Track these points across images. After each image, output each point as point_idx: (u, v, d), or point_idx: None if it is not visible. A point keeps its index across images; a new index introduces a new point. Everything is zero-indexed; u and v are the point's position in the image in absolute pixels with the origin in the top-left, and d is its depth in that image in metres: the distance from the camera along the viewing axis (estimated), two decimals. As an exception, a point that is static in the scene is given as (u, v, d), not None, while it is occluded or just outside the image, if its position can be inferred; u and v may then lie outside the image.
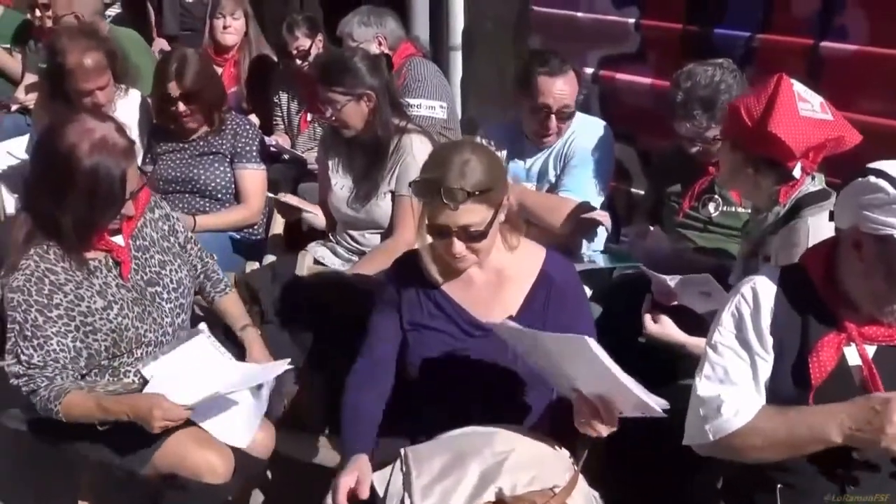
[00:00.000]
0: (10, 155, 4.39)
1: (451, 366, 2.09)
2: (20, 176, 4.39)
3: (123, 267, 2.24)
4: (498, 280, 2.11)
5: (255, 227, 3.54)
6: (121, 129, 2.12)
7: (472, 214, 1.94)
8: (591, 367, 1.72)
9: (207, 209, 3.43)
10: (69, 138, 2.05)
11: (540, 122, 2.99)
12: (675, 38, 3.62)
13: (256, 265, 3.16)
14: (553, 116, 2.96)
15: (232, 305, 2.56)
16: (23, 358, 2.11)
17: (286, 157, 4.04)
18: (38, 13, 5.01)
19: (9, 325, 2.10)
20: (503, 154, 3.12)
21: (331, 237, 3.27)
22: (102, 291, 2.19)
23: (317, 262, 3.01)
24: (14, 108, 4.96)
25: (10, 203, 4.42)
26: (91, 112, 2.12)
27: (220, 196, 3.44)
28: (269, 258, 3.34)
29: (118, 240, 2.24)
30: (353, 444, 1.97)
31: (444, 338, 2.11)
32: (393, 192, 3.04)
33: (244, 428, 2.22)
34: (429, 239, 2.07)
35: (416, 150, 2.99)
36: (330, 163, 3.20)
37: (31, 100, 4.94)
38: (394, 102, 3.08)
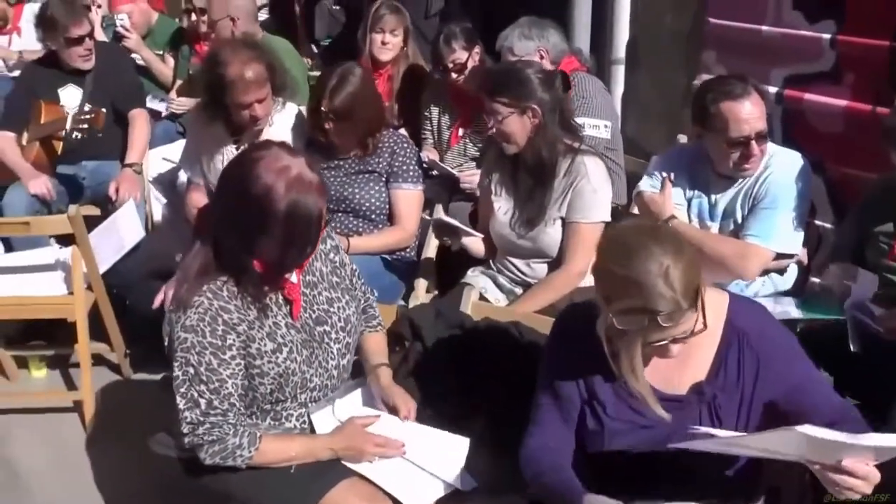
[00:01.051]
0: (165, 160, 4.40)
1: (635, 439, 1.88)
2: (171, 182, 4.41)
3: (294, 306, 2.08)
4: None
5: (408, 249, 3.37)
6: (312, 162, 1.95)
7: (688, 321, 1.70)
8: (819, 447, 1.57)
9: (360, 230, 3.28)
10: (264, 178, 1.88)
11: (739, 154, 2.70)
12: (880, 56, 3.24)
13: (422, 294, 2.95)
14: (752, 143, 2.66)
15: (376, 342, 2.37)
16: (202, 403, 1.96)
17: (435, 172, 3.87)
18: (193, 17, 5.04)
19: (180, 367, 1.96)
20: (679, 189, 2.86)
21: (492, 264, 3.08)
22: (272, 333, 2.04)
23: (482, 297, 2.79)
24: (164, 114, 4.98)
25: (158, 209, 4.43)
26: (281, 146, 1.94)
27: (373, 217, 3.28)
28: (421, 283, 3.18)
29: (290, 276, 2.07)
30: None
31: (627, 412, 1.89)
32: (563, 219, 2.83)
33: (427, 492, 2.03)
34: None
35: (592, 174, 2.81)
36: (492, 184, 3.02)
37: (182, 106, 4.97)
38: (565, 122, 2.88)
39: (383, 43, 4.20)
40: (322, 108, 3.16)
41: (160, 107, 4.97)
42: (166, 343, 2.02)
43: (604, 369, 1.84)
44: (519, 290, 2.97)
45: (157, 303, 3.10)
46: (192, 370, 1.95)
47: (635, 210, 3.04)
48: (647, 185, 2.95)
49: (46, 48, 4.13)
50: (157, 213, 4.41)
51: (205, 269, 1.97)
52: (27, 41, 5.85)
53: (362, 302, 2.33)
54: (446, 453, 2.10)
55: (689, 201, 2.89)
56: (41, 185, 3.87)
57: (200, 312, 1.94)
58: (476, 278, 3.02)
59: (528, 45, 3.72)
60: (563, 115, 2.87)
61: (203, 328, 1.94)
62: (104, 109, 3.93)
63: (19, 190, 3.88)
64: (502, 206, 2.97)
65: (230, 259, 1.96)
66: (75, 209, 3.14)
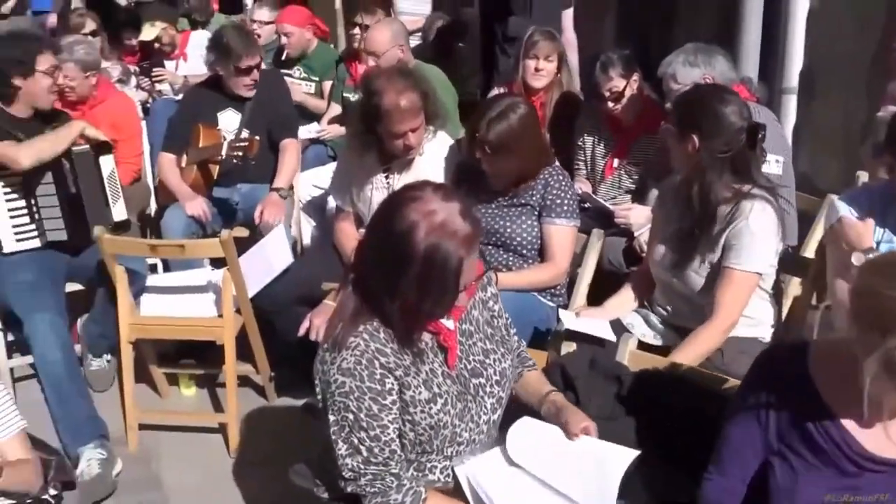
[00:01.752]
0: (314, 187, 4.43)
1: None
2: (320, 207, 4.45)
3: (450, 354, 1.98)
4: None
5: (559, 287, 3.21)
6: (466, 211, 1.85)
7: None
8: None
9: (510, 265, 3.15)
10: (408, 217, 1.81)
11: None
12: None
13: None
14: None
15: (536, 377, 2.25)
16: (363, 450, 1.88)
17: (587, 205, 3.71)
18: (355, 31, 5.09)
19: (338, 412, 1.88)
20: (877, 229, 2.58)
21: (645, 302, 2.90)
22: (428, 381, 1.94)
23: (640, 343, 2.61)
24: (315, 134, 5.04)
25: (308, 231, 4.48)
26: (437, 189, 1.86)
27: (524, 252, 3.15)
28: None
29: (447, 322, 1.97)
30: None
31: (826, 471, 1.71)
32: (717, 263, 2.63)
33: None
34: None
35: (755, 218, 2.57)
36: (660, 216, 2.87)
37: (333, 130, 5.02)
38: (739, 166, 2.63)
39: (537, 70, 4.08)
40: (477, 137, 3.06)
41: (311, 134, 5.04)
42: (317, 381, 1.95)
43: (809, 418, 1.70)
44: (669, 333, 2.80)
45: (302, 330, 3.09)
46: (351, 416, 1.87)
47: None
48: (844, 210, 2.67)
49: (213, 72, 4.24)
50: (307, 235, 4.47)
51: (359, 309, 1.90)
52: (193, 66, 6.12)
53: (514, 353, 2.21)
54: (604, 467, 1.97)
55: (878, 244, 2.61)
56: (198, 206, 3.96)
57: (357, 355, 1.86)
58: (629, 316, 2.86)
59: (693, 72, 3.52)
60: (737, 160, 2.62)
61: (360, 371, 1.86)
62: (258, 137, 3.99)
63: (178, 211, 4.00)
64: (661, 240, 2.81)
65: (374, 299, 1.88)
66: (227, 234, 3.17)
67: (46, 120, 3.62)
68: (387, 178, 3.36)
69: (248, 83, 4.13)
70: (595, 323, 2.76)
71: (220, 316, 3.34)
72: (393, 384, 1.88)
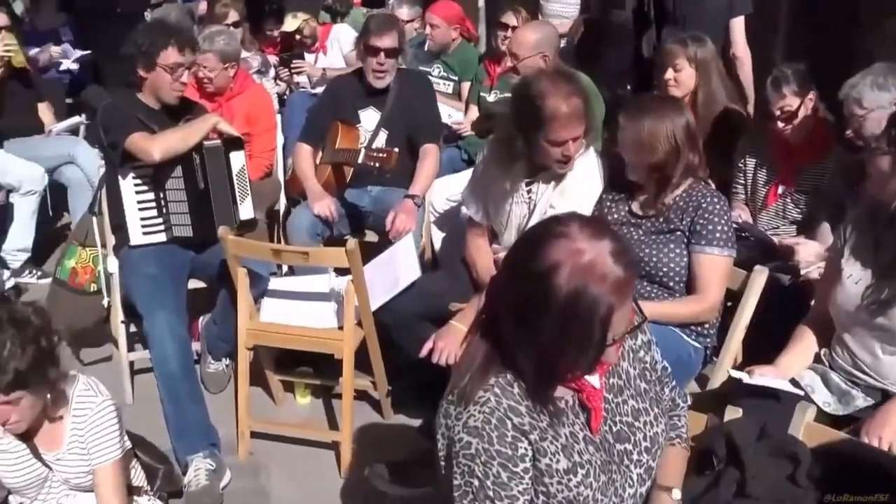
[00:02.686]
0: (447, 200, 4.22)
1: None
2: (451, 215, 4.23)
3: (594, 416, 1.70)
4: None
5: (708, 325, 2.87)
6: (620, 252, 1.57)
7: None
8: None
9: (653, 297, 2.84)
10: (551, 256, 1.55)
11: None
12: None
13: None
14: None
15: (673, 457, 1.93)
16: None
17: (745, 234, 3.34)
18: (501, 32, 4.86)
19: (463, 475, 1.64)
20: None
21: (821, 355, 2.54)
22: (568, 448, 1.67)
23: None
24: (452, 123, 4.82)
25: (439, 240, 4.27)
26: (585, 224, 1.59)
27: (672, 284, 2.83)
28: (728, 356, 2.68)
29: (592, 378, 1.70)
30: None
31: None
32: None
33: None
34: None
35: None
36: (846, 245, 2.49)
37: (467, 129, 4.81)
38: None
39: (668, 80, 3.73)
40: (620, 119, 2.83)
41: (449, 121, 4.82)
42: (439, 436, 1.71)
43: None
44: (856, 393, 2.40)
45: (424, 351, 2.89)
46: (476, 482, 1.62)
47: None
48: None
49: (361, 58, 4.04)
50: (437, 242, 4.25)
51: (490, 358, 1.65)
52: (332, 59, 6.05)
53: (667, 411, 1.90)
54: None
55: None
56: (325, 207, 3.81)
57: (486, 413, 1.62)
58: (802, 374, 2.49)
59: (882, 96, 3.11)
60: None
61: (489, 432, 1.61)
62: (397, 150, 3.78)
63: (305, 211, 3.86)
64: (854, 274, 2.43)
65: (507, 348, 1.63)
66: (353, 244, 2.99)
67: (181, 112, 3.54)
68: (529, 191, 3.11)
69: (378, 68, 3.91)
70: (775, 383, 2.40)
71: (341, 328, 3.17)
72: (526, 449, 1.63)
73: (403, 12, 5.76)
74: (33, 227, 4.63)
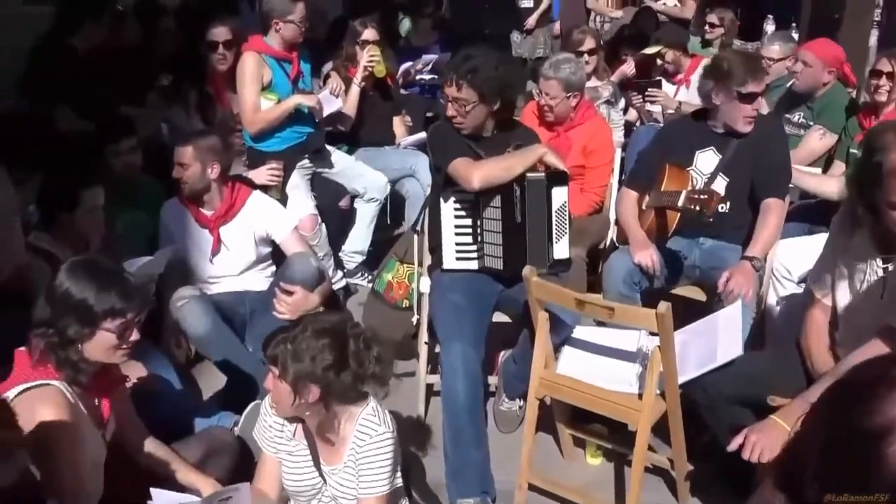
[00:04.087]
0: (785, 269, 3.68)
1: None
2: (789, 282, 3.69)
3: None
4: None
5: None
6: None
7: None
8: None
9: None
10: (890, 412, 1.15)
11: None
12: None
13: None
14: None
15: None
16: None
17: None
18: (880, 82, 4.20)
19: None
20: None
21: None
22: None
23: None
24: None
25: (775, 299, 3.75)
26: None
27: None
28: None
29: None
30: None
31: None
32: None
33: None
34: None
35: None
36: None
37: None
38: None
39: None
40: None
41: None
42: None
43: None
44: None
45: (734, 445, 2.49)
46: None
47: None
48: None
49: (707, 102, 3.65)
50: (774, 298, 3.72)
51: None
52: (692, 95, 5.60)
53: None
54: None
55: None
56: (647, 256, 3.49)
57: None
58: None
59: None
60: None
61: None
62: (721, 193, 3.37)
63: (624, 257, 3.56)
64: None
65: None
66: (665, 308, 2.64)
67: (508, 134, 3.42)
68: (886, 268, 2.57)
69: (749, 115, 3.51)
70: None
71: (641, 395, 2.85)
72: None
73: (775, 49, 5.23)
74: (370, 233, 4.84)
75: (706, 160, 3.66)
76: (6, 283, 2.98)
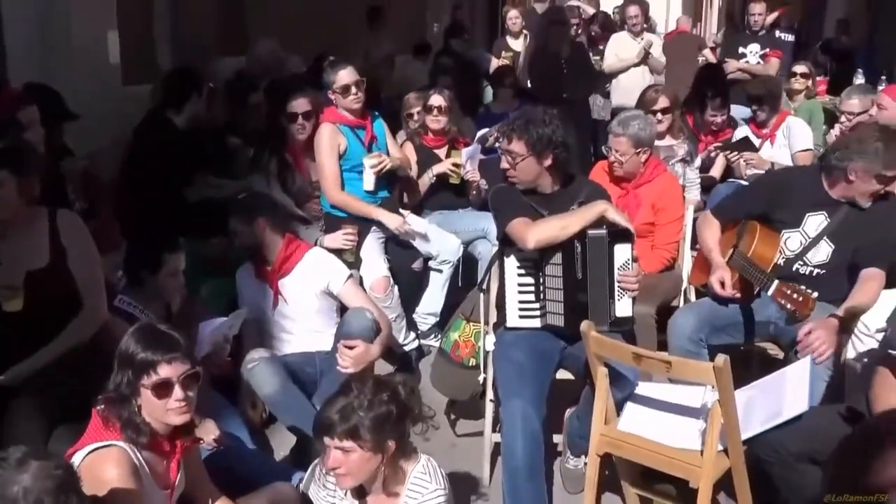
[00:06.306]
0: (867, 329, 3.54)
1: None
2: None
3: None
4: None
5: None
6: None
7: None
8: None
9: None
10: (890, 470, 1.14)
11: None
12: None
13: None
14: None
15: None
16: None
17: None
18: None
19: None
20: None
21: None
22: None
23: None
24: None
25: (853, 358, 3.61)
26: None
27: None
28: None
29: None
30: None
31: None
32: None
33: None
34: None
35: None
36: None
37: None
38: None
39: None
40: None
41: None
42: None
43: None
44: None
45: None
46: None
47: None
48: None
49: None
50: (853, 353, 3.56)
51: None
52: (781, 154, 5.49)
53: None
54: None
55: None
56: (719, 279, 3.46)
57: None
58: None
59: None
60: None
61: None
62: (815, 296, 3.30)
63: (688, 313, 3.53)
64: None
65: None
66: (723, 361, 2.60)
67: (572, 191, 3.44)
68: None
69: (879, 193, 3.43)
70: None
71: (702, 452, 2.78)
72: None
73: (854, 104, 5.13)
74: (444, 294, 4.89)
75: (813, 224, 3.54)
76: (92, 343, 3.18)
